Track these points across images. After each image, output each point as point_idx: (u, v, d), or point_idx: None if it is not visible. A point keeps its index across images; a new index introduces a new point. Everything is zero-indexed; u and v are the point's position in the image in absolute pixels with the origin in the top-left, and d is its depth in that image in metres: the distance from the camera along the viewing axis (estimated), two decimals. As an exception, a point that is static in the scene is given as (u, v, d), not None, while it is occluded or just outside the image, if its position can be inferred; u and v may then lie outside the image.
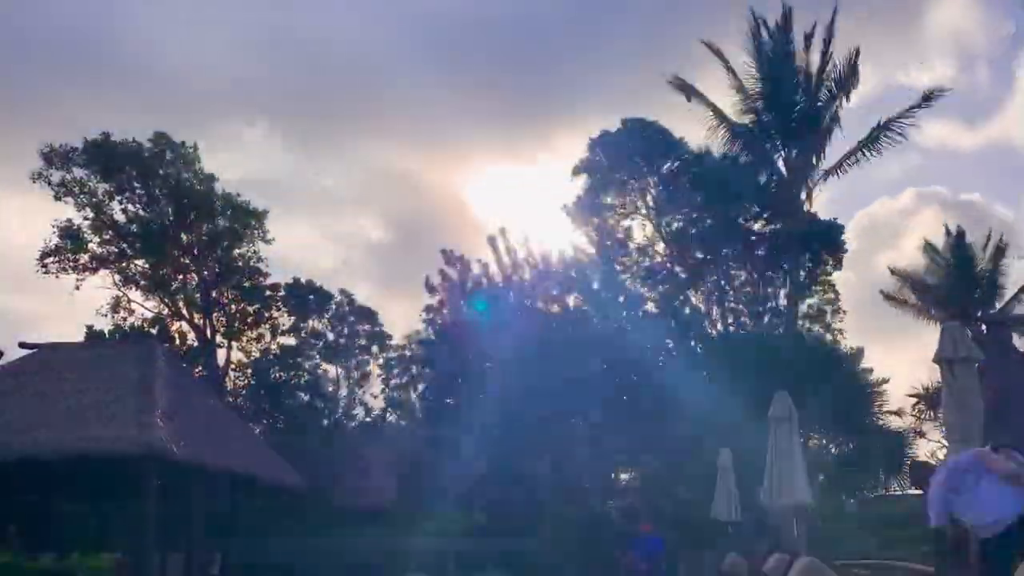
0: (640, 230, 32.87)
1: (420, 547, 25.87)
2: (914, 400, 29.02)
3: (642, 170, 31.48)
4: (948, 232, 30.94)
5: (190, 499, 19.47)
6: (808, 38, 27.78)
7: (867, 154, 27.30)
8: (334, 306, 33.19)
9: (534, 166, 65.41)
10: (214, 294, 31.70)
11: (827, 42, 27.52)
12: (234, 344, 32.38)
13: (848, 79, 27.16)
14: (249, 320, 32.17)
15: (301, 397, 30.51)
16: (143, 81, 56.61)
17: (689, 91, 27.82)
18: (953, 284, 30.33)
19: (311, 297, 32.56)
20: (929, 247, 31.18)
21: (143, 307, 32.18)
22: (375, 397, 33.48)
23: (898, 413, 26.76)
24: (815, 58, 27.73)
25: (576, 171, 32.38)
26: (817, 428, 21.49)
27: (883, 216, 60.60)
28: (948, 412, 8.33)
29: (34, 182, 30.40)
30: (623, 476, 33.50)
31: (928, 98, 26.52)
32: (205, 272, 31.65)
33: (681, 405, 24.08)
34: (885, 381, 29.14)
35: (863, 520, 24.66)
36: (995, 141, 70.28)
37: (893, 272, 31.42)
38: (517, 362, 28.40)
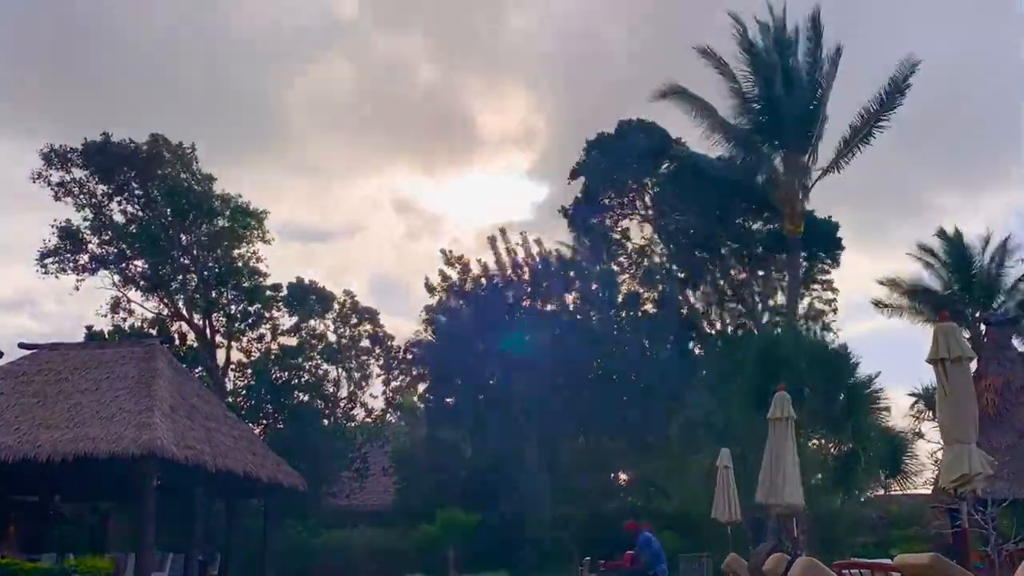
0: (638, 231, 32.91)
1: (420, 547, 25.92)
2: (913, 400, 28.98)
3: (640, 171, 31.45)
4: (943, 234, 30.76)
5: (190, 499, 19.54)
6: (808, 39, 27.82)
7: (861, 148, 27.36)
8: (336, 306, 33.17)
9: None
10: (214, 294, 31.69)
11: (817, 40, 27.57)
12: (234, 344, 32.37)
13: (832, 75, 27.31)
14: (250, 320, 32.14)
15: (301, 397, 30.49)
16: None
17: (685, 93, 27.82)
18: (950, 285, 30.25)
19: (313, 297, 32.52)
20: (925, 250, 30.99)
21: (143, 307, 32.20)
22: (375, 397, 33.48)
23: (887, 409, 26.70)
24: (806, 57, 27.77)
25: (574, 173, 32.38)
26: (817, 428, 21.47)
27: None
28: (942, 412, 8.30)
29: (34, 182, 30.52)
30: (622, 476, 33.55)
31: (904, 79, 26.42)
32: (205, 272, 31.63)
33: (680, 405, 24.13)
34: (877, 375, 29.12)
35: (862, 520, 24.66)
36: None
37: (882, 283, 31.08)
38: (517, 363, 28.46)
